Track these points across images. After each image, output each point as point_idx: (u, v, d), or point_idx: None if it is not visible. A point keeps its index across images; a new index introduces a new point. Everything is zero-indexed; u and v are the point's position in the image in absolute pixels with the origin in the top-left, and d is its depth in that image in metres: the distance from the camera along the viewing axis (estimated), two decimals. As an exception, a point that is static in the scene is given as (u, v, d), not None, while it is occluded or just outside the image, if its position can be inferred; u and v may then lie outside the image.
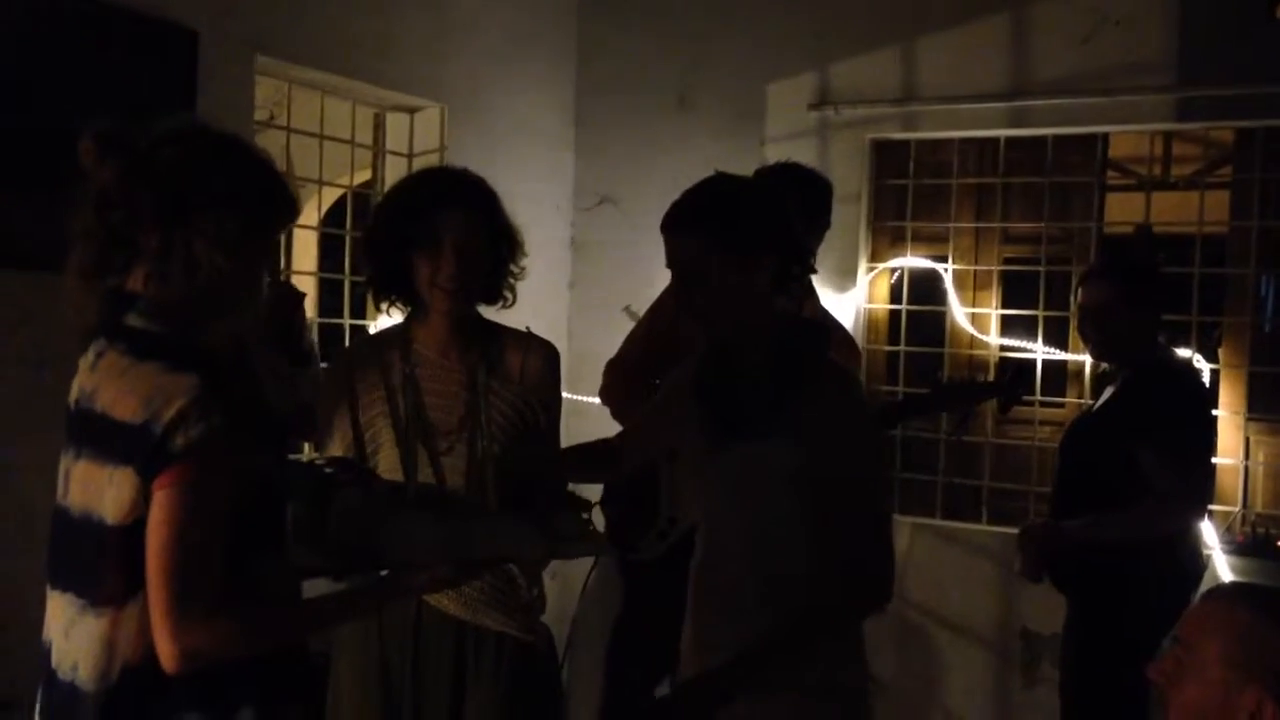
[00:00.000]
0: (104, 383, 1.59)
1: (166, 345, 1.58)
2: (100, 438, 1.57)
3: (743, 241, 1.89)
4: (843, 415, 1.92)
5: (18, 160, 2.85)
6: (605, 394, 3.11)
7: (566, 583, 3.94)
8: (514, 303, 2.38)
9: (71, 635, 1.59)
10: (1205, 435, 3.06)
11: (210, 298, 1.62)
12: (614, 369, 3.09)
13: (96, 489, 1.56)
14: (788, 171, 3.04)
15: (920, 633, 4.08)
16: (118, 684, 1.55)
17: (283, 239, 3.63)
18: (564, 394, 2.52)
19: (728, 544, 2.00)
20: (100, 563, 1.56)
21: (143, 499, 1.51)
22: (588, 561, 3.12)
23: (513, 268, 2.35)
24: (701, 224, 1.92)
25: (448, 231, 2.23)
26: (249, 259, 1.65)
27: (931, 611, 4.08)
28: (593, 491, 2.98)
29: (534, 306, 2.41)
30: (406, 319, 2.38)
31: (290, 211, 1.74)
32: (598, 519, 2.95)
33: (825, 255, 3.09)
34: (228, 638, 1.55)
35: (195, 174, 1.61)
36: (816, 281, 3.19)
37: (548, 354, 2.39)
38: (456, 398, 2.26)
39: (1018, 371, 3.17)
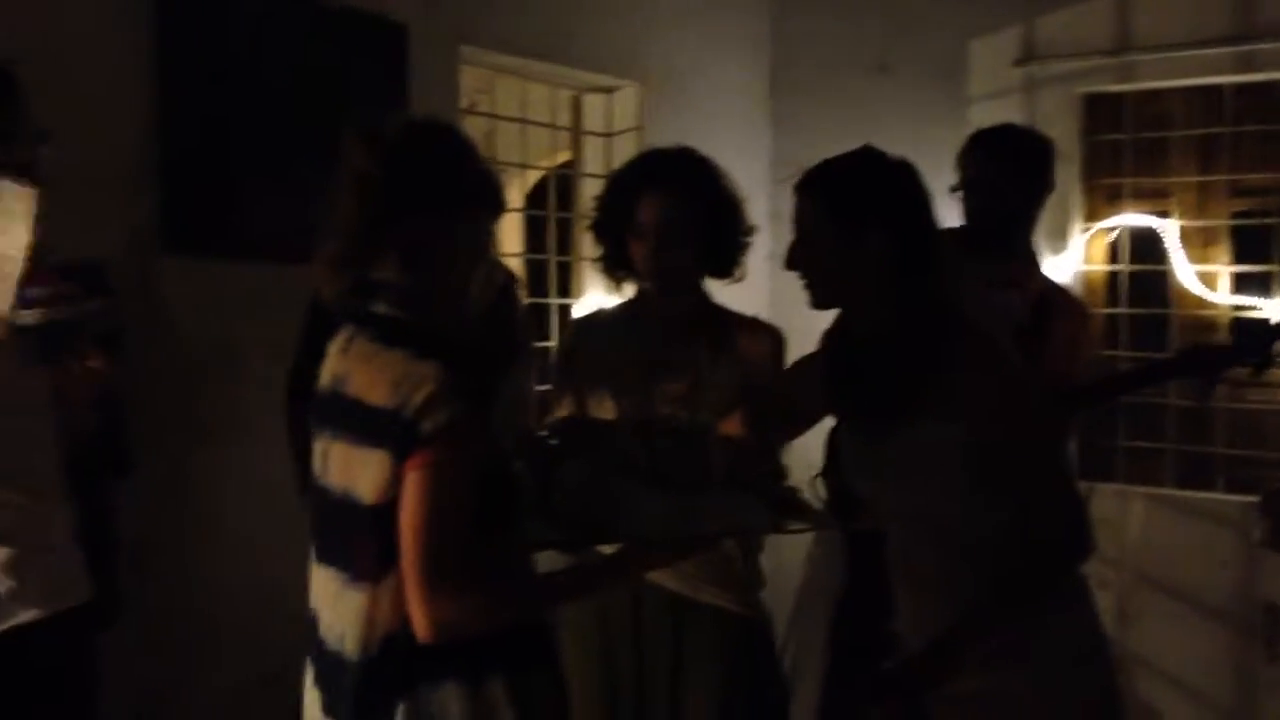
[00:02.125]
0: (355, 368, 1.66)
1: (411, 332, 1.64)
2: (355, 421, 1.64)
3: (845, 211, 1.93)
4: (992, 383, 1.91)
5: (248, 155, 2.99)
6: None
7: (781, 558, 3.92)
8: (744, 276, 2.40)
9: (338, 608, 1.66)
10: None
11: (456, 287, 1.70)
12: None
13: (353, 470, 1.63)
14: (1003, 133, 2.92)
15: (1156, 607, 3.91)
16: (378, 654, 1.61)
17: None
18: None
19: (912, 529, 2.02)
20: (358, 540, 1.62)
21: (395, 480, 1.57)
22: (802, 537, 3.09)
23: (741, 240, 2.37)
24: (813, 187, 1.97)
25: (647, 215, 2.29)
26: (487, 251, 1.74)
27: (1167, 585, 3.91)
28: (812, 464, 2.95)
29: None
30: (636, 294, 2.44)
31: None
32: (819, 490, 2.93)
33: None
34: (476, 611, 1.60)
35: (468, 169, 1.69)
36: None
37: (775, 339, 2.41)
38: (679, 374, 2.28)
39: (1274, 332, 2.95)
